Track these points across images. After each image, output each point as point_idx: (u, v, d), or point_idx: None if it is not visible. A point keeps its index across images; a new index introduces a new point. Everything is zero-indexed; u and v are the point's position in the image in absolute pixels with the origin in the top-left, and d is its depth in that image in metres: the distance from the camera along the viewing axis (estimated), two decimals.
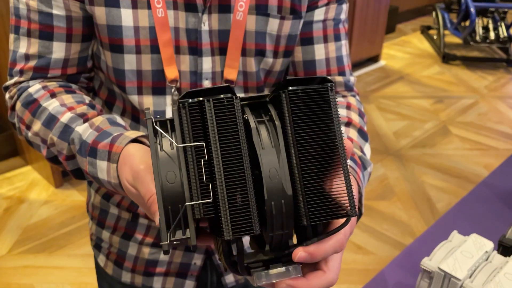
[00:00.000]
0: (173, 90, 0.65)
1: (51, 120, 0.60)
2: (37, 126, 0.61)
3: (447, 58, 4.40)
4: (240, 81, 0.67)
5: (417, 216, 2.31)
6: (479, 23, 4.29)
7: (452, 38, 4.87)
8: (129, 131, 0.56)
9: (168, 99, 0.65)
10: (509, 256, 0.79)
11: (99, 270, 0.85)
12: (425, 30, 5.10)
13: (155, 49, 0.62)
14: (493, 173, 1.21)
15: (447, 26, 4.55)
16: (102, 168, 0.54)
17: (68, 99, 0.62)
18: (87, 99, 0.64)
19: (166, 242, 0.39)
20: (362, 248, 2.10)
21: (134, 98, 0.65)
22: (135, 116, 0.69)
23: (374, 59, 4.39)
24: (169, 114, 0.65)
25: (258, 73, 0.68)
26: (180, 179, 0.41)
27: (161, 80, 0.64)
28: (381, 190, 2.51)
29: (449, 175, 2.66)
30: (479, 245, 0.74)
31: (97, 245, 0.81)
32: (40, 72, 0.64)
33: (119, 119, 0.61)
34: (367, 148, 0.70)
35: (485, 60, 4.43)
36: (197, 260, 0.76)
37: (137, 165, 0.48)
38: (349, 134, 0.68)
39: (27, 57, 0.64)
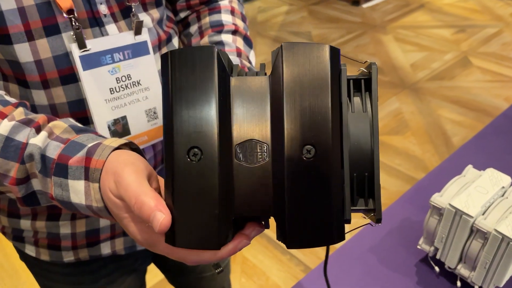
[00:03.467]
0: (73, 22, 0.52)
1: None
2: None
3: None
4: None
5: (432, 150, 2.25)
6: None
7: None
8: (107, 139, 0.44)
9: (66, 37, 0.53)
10: None
11: (31, 263, 0.72)
12: None
13: None
14: None
15: None
16: (77, 190, 0.42)
17: None
18: (3, 94, 0.50)
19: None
20: None
21: (24, 48, 0.51)
22: (20, 80, 0.54)
23: None
24: (76, 54, 0.53)
25: None
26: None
27: (51, 15, 0.52)
28: (394, 124, 2.44)
29: (467, 108, 2.56)
30: (495, 180, 0.69)
31: (17, 237, 0.67)
32: None
33: (75, 122, 0.49)
34: (252, 56, 0.70)
35: None
36: None
37: (121, 168, 0.39)
38: (236, 43, 0.67)
39: None
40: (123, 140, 0.44)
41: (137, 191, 0.37)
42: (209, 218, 0.34)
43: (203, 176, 0.34)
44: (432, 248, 0.72)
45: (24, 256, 0.72)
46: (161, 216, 0.35)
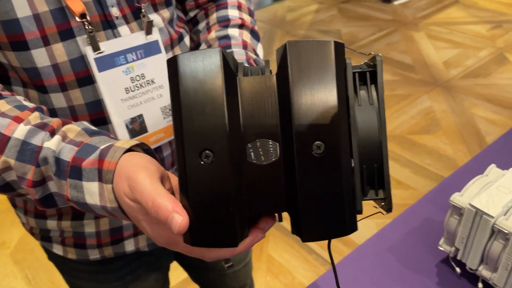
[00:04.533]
0: (86, 26, 0.54)
1: None
2: None
3: None
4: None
5: (464, 150, 2.19)
6: None
7: None
8: (119, 141, 0.45)
9: (80, 41, 0.55)
10: None
11: (58, 262, 0.75)
12: None
13: None
14: None
15: None
16: (92, 191, 0.44)
17: (3, 105, 0.49)
18: (21, 99, 0.52)
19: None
20: (402, 183, 2.03)
21: (41, 53, 0.53)
22: (38, 85, 0.56)
23: None
24: (91, 57, 0.55)
25: None
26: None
27: (65, 20, 0.53)
28: (425, 123, 2.39)
29: (503, 106, 2.47)
30: None
31: (44, 237, 0.70)
32: None
33: (88, 125, 0.51)
34: (259, 49, 0.71)
35: None
36: None
37: (134, 173, 0.40)
38: (242, 37, 0.69)
39: None
40: (134, 141, 0.45)
41: (153, 194, 0.38)
42: (225, 218, 0.36)
43: (217, 177, 0.35)
44: (453, 248, 0.70)
45: (51, 256, 0.75)
46: (179, 218, 0.36)
